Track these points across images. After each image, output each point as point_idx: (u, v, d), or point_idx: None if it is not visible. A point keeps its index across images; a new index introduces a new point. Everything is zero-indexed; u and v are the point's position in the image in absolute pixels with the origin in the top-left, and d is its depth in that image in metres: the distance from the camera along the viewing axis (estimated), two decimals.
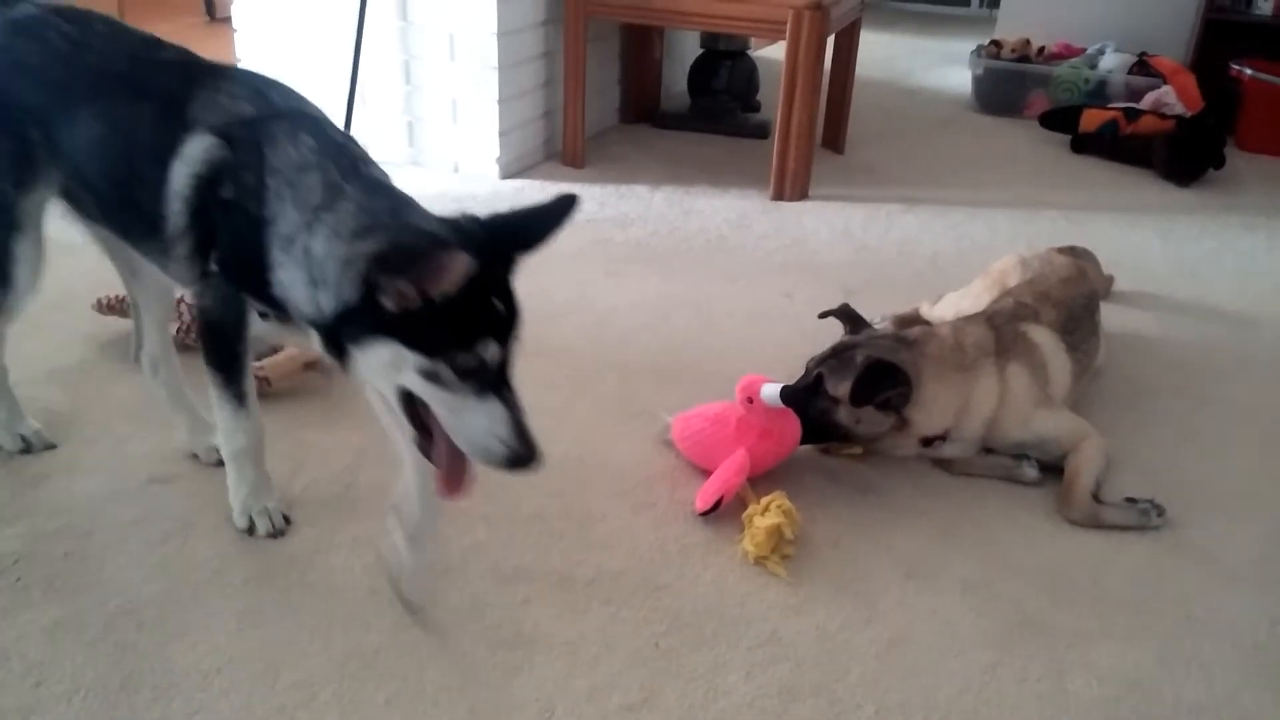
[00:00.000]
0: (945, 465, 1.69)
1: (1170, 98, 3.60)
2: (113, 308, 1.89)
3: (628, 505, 1.54)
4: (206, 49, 1.38)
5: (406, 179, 2.84)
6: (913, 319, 2.10)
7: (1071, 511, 1.58)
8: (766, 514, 1.44)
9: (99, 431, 1.64)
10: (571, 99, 3.09)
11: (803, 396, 1.62)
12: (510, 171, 3.03)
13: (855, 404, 1.59)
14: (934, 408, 1.63)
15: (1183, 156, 3.26)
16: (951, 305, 2.08)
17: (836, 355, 1.66)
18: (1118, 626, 1.36)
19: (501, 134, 2.97)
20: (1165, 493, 1.62)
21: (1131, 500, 1.59)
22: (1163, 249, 2.72)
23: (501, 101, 2.93)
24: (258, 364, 1.75)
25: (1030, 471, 1.67)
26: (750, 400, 1.59)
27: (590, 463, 1.64)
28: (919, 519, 1.55)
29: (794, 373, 1.98)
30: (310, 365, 1.78)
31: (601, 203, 2.87)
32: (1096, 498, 1.60)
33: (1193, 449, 1.80)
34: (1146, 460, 1.75)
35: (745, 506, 1.49)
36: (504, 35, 2.88)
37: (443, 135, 3.01)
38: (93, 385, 1.77)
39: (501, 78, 2.91)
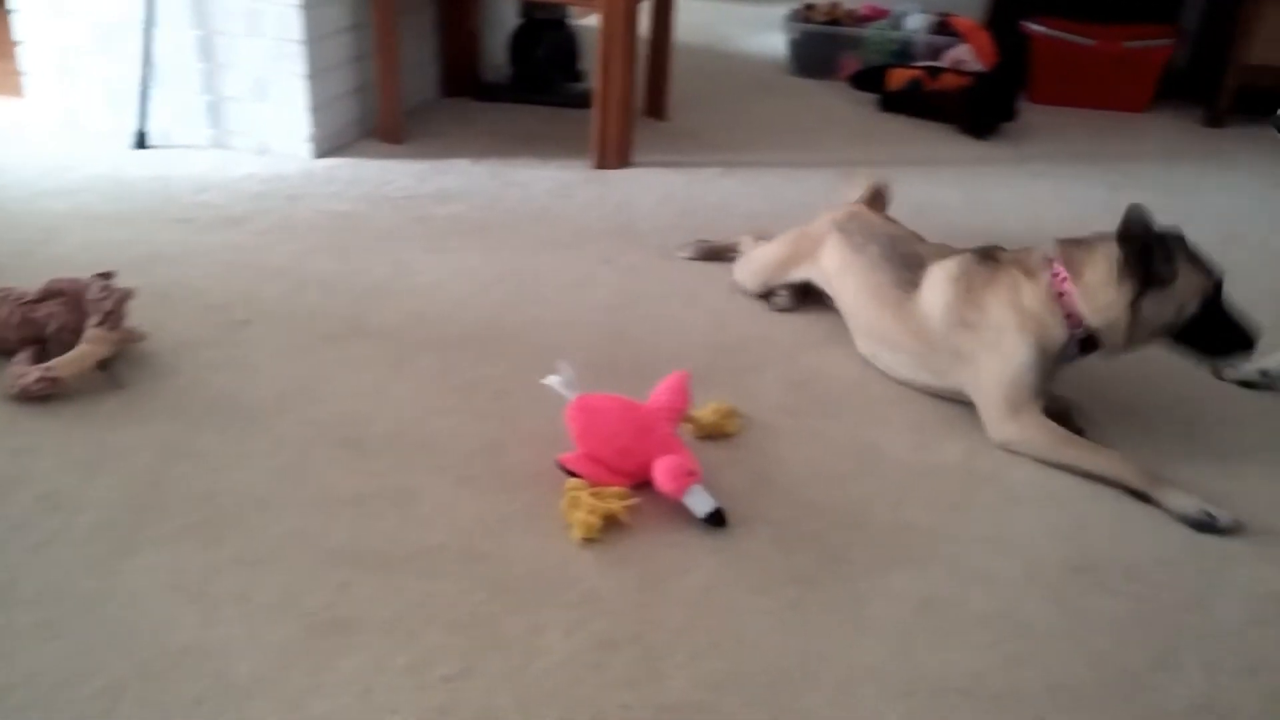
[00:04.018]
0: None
1: (967, 55, 3.81)
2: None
3: (448, 480, 1.54)
4: None
5: (209, 162, 2.77)
6: (729, 248, 2.39)
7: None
8: (603, 499, 1.45)
9: None
10: (385, 72, 3.01)
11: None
12: (324, 150, 2.94)
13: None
14: None
15: (979, 111, 3.46)
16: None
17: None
18: (913, 552, 1.45)
19: (313, 111, 2.87)
20: (963, 424, 1.74)
21: None
22: (962, 199, 2.89)
23: (310, 77, 2.84)
24: (46, 365, 1.65)
25: None
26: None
27: (409, 440, 1.63)
28: (731, 469, 1.61)
29: (614, 334, 2.02)
30: (103, 364, 1.70)
31: (421, 178, 2.82)
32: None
33: None
34: (940, 398, 1.86)
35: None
36: (309, 7, 2.78)
37: (248, 115, 2.89)
38: None
39: (309, 52, 2.81)
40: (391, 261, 2.29)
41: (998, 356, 1.73)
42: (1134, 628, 1.33)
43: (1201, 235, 2.76)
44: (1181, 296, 1.67)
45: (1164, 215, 2.88)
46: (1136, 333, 1.70)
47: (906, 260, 1.94)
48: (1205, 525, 1.54)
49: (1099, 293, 1.69)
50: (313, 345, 1.90)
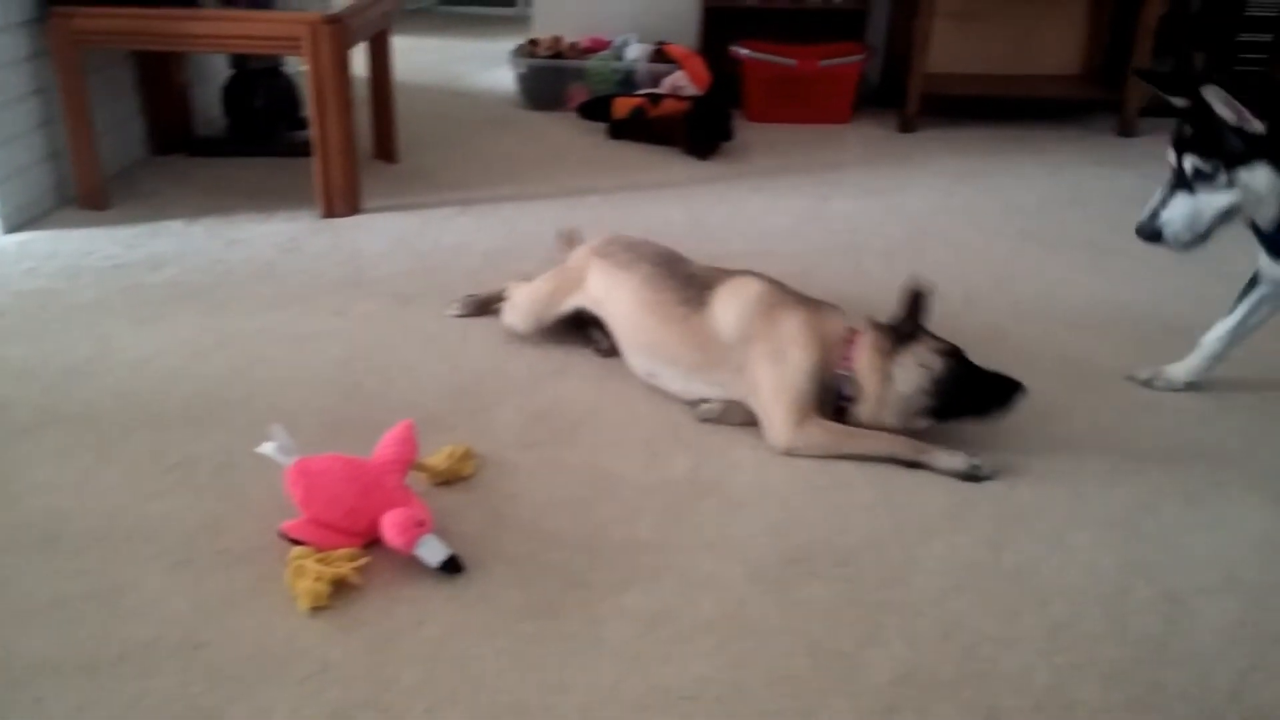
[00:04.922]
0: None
1: (683, 80, 4.00)
2: None
3: (161, 567, 1.45)
4: None
5: None
6: (497, 298, 2.31)
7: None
8: (331, 563, 1.41)
9: None
10: (78, 136, 2.81)
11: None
12: (15, 224, 2.71)
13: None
14: None
15: (699, 133, 3.64)
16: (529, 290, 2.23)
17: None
18: (646, 567, 1.51)
19: None
20: (689, 438, 1.82)
21: None
22: (686, 217, 3.03)
23: None
24: None
25: None
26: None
27: (117, 531, 1.53)
28: (467, 511, 1.62)
29: (348, 393, 1.98)
30: None
31: (130, 245, 2.65)
32: None
33: None
34: (662, 405, 1.94)
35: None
36: None
37: None
38: None
39: None
40: (95, 339, 2.13)
41: (781, 367, 1.84)
42: (844, 610, 1.44)
43: (897, 232, 3.04)
44: (923, 357, 1.81)
45: (866, 217, 3.12)
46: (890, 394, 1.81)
47: (687, 280, 2.01)
48: (973, 475, 1.75)
49: (870, 357, 1.83)
50: (2, 441, 1.74)
